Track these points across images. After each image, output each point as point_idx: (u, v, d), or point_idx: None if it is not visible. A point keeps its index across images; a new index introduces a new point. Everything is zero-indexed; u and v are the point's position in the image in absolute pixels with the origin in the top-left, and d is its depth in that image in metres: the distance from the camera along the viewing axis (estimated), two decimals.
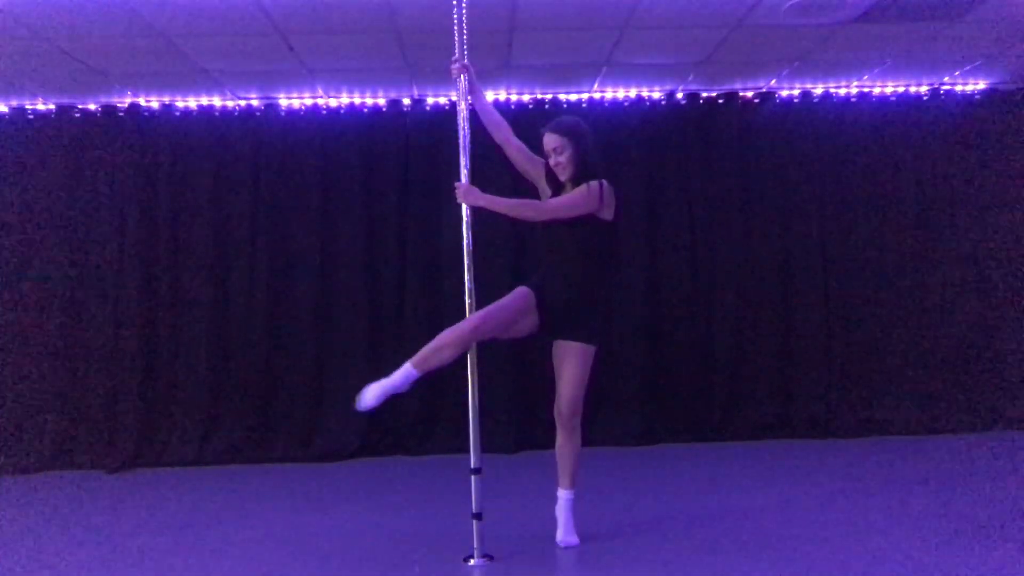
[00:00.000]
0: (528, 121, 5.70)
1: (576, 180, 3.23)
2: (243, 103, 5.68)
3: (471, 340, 3.14)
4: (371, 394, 3.13)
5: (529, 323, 3.22)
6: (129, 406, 5.48)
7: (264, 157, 5.69)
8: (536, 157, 3.40)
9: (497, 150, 3.53)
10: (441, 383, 5.41)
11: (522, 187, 5.70)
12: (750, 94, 5.84)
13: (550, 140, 3.25)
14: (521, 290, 3.22)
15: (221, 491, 4.68)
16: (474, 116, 3.44)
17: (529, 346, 5.62)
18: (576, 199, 3.15)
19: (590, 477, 4.71)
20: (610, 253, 3.30)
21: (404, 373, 3.12)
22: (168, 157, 5.64)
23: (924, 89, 5.85)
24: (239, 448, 5.45)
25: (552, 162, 3.26)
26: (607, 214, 3.18)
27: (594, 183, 3.16)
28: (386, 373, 5.80)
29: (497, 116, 3.45)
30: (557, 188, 3.31)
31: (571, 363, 3.24)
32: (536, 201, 3.31)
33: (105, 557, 3.44)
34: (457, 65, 3.34)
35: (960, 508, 3.72)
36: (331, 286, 5.66)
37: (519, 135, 5.64)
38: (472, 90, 3.38)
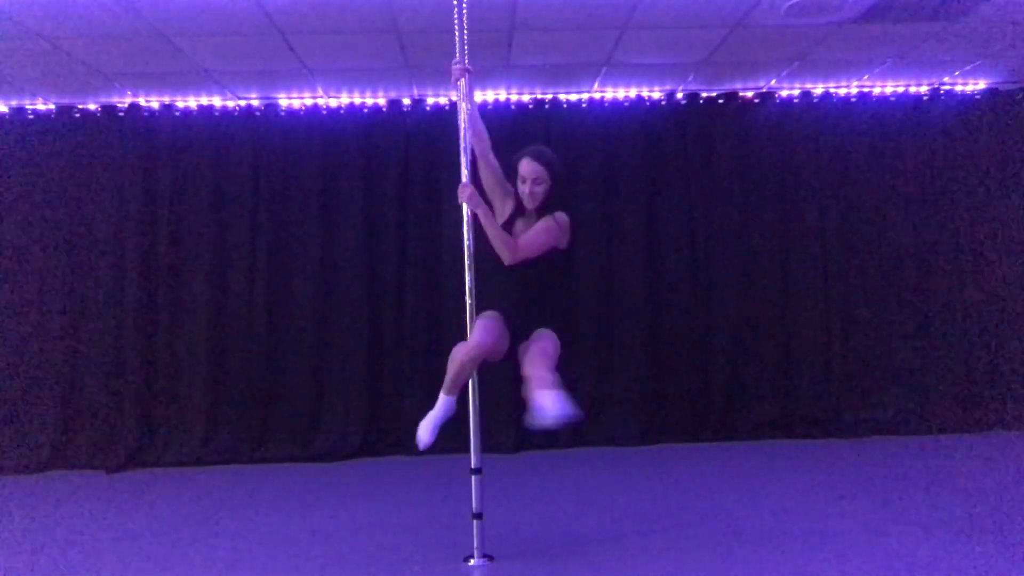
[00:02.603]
0: (528, 121, 5.74)
1: (540, 211, 3.24)
2: (243, 103, 5.68)
3: (480, 355, 3.14)
4: (424, 430, 3.22)
5: (505, 343, 3.23)
6: (129, 406, 5.48)
7: (264, 157, 5.69)
8: (508, 184, 3.33)
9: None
10: (440, 383, 5.41)
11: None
12: (750, 94, 5.84)
13: (534, 169, 3.21)
14: (492, 313, 3.25)
15: (221, 491, 4.68)
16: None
17: None
18: (544, 239, 3.19)
19: (590, 477, 4.73)
20: (561, 274, 3.45)
21: (443, 402, 3.22)
22: (168, 157, 5.64)
23: (924, 89, 5.85)
24: (239, 448, 5.45)
25: (527, 189, 3.21)
26: (565, 244, 3.27)
27: (561, 217, 3.22)
28: (385, 372, 5.84)
29: (482, 126, 3.37)
30: (517, 214, 3.30)
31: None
32: (513, 242, 3.21)
33: (105, 557, 3.44)
34: (459, 67, 3.32)
35: (960, 508, 3.72)
36: (331, 286, 5.66)
37: (519, 135, 5.70)
38: (469, 93, 3.36)
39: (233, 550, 3.48)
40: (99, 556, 3.46)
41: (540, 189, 3.22)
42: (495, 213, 3.32)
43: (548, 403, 2.82)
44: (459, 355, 3.15)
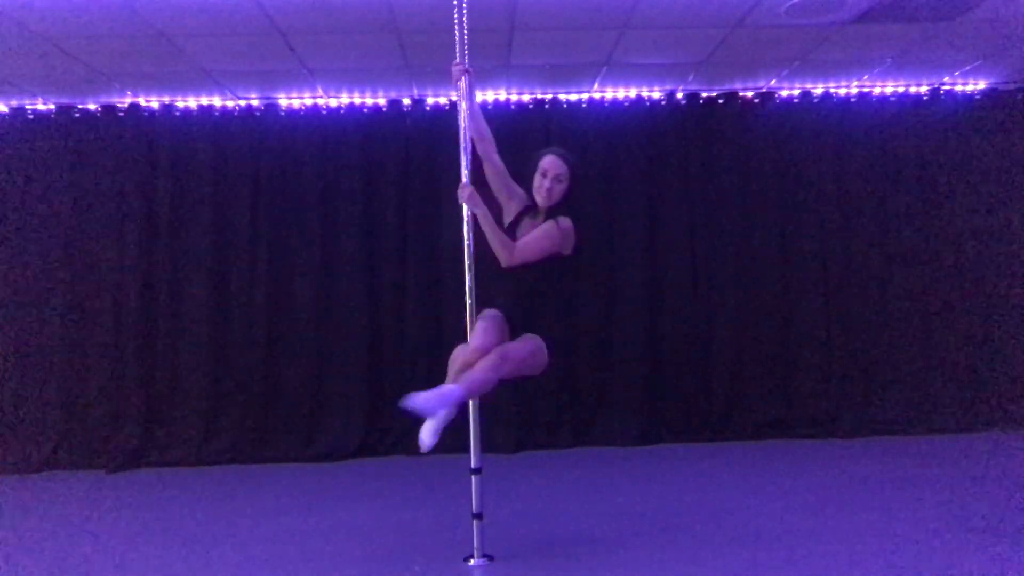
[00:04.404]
0: (528, 121, 5.75)
1: (550, 211, 3.21)
2: (243, 103, 5.68)
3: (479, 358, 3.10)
4: (427, 433, 3.07)
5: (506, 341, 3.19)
6: (129, 406, 5.48)
7: (264, 157, 5.69)
8: (515, 184, 3.34)
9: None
10: (440, 383, 5.41)
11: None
12: (750, 94, 5.84)
13: (559, 166, 3.19)
14: (492, 312, 3.22)
15: (221, 491, 4.68)
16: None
17: None
18: (545, 244, 3.14)
19: (590, 477, 4.73)
20: (562, 279, 3.35)
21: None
22: (168, 157, 5.64)
23: (924, 89, 5.85)
24: (239, 448, 5.45)
25: (547, 184, 3.17)
26: (568, 250, 3.21)
27: (565, 222, 3.15)
28: (385, 372, 5.83)
29: (485, 126, 3.35)
30: (525, 212, 3.29)
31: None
32: (511, 244, 3.17)
33: (105, 557, 3.44)
34: (460, 68, 3.32)
35: (961, 508, 3.72)
36: (331, 286, 5.66)
37: (519, 134, 5.70)
38: (469, 93, 3.35)
39: (233, 550, 3.48)
40: (99, 556, 3.46)
41: (559, 188, 3.20)
42: (502, 212, 3.31)
43: (430, 404, 2.91)
44: (459, 358, 3.13)
